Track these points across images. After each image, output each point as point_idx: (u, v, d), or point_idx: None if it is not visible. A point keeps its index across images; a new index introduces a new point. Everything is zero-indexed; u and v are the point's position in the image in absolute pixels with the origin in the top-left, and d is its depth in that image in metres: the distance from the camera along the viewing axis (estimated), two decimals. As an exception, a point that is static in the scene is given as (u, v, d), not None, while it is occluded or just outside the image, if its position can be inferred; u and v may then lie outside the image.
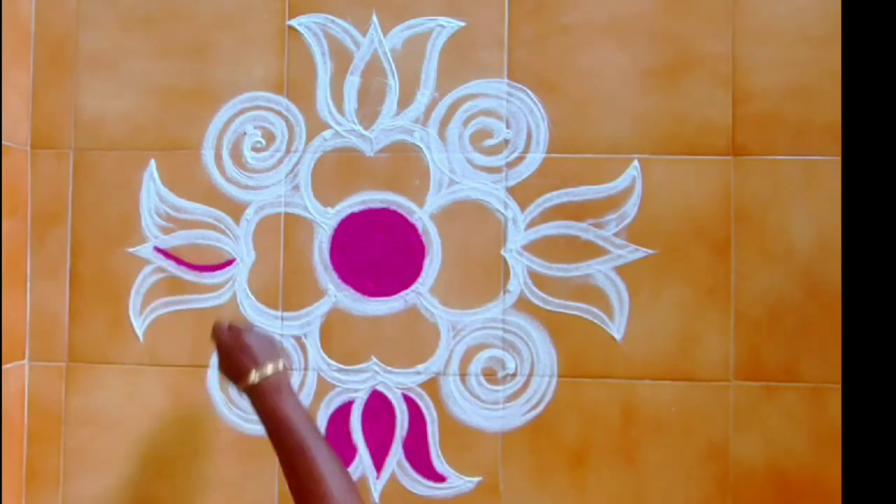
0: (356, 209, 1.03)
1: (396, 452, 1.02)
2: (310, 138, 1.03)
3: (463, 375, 1.01)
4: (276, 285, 1.03)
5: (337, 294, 1.03)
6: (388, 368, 1.02)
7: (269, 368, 0.79)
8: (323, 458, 0.75)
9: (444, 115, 1.02)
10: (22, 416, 1.04)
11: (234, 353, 0.82)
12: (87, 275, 1.05)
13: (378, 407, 1.02)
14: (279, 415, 0.77)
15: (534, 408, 1.00)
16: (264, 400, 0.79)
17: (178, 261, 1.04)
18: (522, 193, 1.01)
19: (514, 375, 1.01)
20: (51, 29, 1.06)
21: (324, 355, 1.03)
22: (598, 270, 1.00)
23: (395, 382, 1.02)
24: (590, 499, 0.99)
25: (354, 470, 1.02)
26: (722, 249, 0.99)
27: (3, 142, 1.00)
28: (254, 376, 0.79)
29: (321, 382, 1.02)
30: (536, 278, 1.01)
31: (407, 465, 1.01)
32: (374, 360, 1.02)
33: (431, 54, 1.02)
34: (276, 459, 0.76)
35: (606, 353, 1.00)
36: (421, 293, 1.02)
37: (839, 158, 0.98)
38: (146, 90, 1.05)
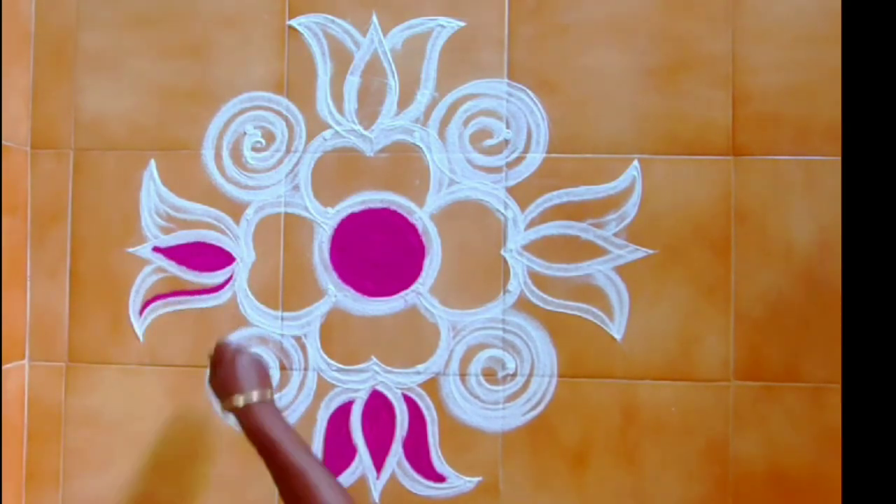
0: (356, 209, 1.03)
1: (396, 452, 1.02)
2: (310, 138, 1.03)
3: (463, 375, 1.01)
4: (276, 285, 1.03)
5: (337, 294, 1.03)
6: (388, 368, 1.02)
7: (254, 395, 0.80)
8: (316, 475, 0.76)
9: (444, 115, 1.02)
10: (22, 416, 1.04)
11: (225, 372, 0.83)
12: (87, 275, 1.05)
13: (378, 407, 1.02)
14: (268, 437, 0.78)
15: (534, 408, 1.00)
16: (248, 423, 0.80)
17: (178, 261, 1.04)
18: (522, 193, 1.01)
19: (514, 375, 1.01)
20: (51, 29, 1.06)
21: (324, 355, 1.03)
22: (598, 270, 1.00)
23: (395, 382, 1.02)
24: (590, 499, 0.99)
25: (354, 470, 1.02)
26: (722, 249, 0.99)
27: (3, 142, 1.00)
28: (237, 400, 0.80)
29: (321, 382, 1.02)
30: (536, 278, 1.01)
31: (407, 465, 1.01)
32: (374, 360, 1.02)
33: (431, 54, 1.02)
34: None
35: (606, 353, 1.00)
36: (421, 293, 1.02)
37: (839, 158, 0.98)
38: (146, 90, 1.05)
